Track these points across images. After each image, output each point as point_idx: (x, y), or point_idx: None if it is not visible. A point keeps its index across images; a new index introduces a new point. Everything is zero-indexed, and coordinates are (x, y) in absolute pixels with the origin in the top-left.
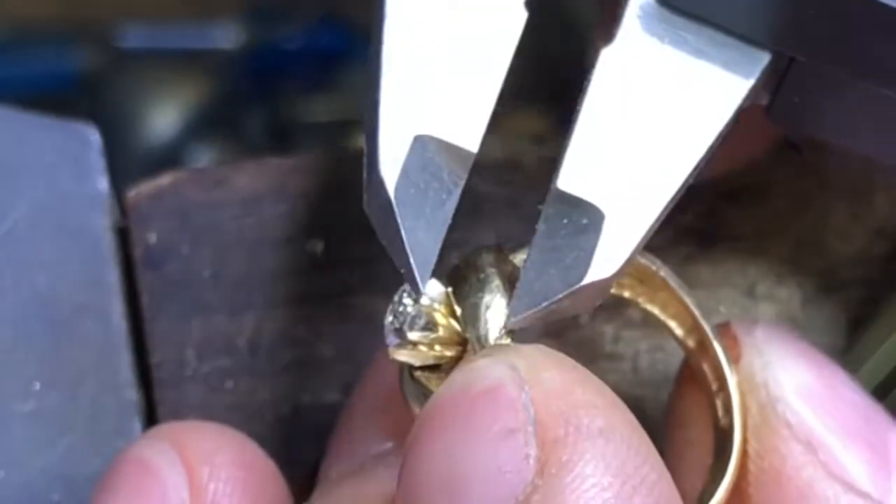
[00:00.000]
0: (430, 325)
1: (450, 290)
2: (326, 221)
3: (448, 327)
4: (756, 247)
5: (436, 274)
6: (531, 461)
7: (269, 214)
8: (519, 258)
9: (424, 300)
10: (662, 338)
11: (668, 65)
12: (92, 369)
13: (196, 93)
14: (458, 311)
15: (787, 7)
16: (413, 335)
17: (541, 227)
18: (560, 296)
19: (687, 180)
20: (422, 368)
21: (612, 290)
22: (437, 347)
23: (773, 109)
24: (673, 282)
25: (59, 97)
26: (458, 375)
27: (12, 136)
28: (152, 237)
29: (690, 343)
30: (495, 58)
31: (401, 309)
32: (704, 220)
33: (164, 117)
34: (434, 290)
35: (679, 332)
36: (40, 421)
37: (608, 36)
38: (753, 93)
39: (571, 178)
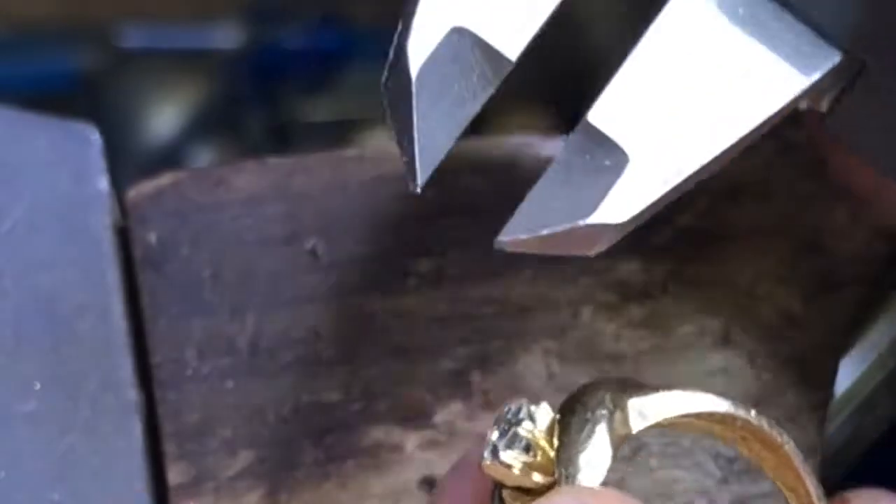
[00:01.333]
0: (530, 449)
1: (558, 417)
2: (326, 221)
3: (545, 456)
4: (756, 247)
5: None
6: None
7: (269, 214)
8: (637, 402)
9: (527, 425)
10: (664, 338)
11: (734, 34)
12: (92, 369)
13: (196, 93)
14: (559, 443)
15: (867, 5)
16: (507, 455)
17: (560, 154)
18: (559, 228)
19: (719, 156)
20: (512, 488)
21: (738, 447)
22: (532, 472)
23: (831, 119)
24: (796, 460)
25: (59, 97)
26: None
27: (12, 136)
28: (152, 237)
29: None
30: None
31: (505, 426)
32: (704, 220)
33: (164, 117)
34: (543, 416)
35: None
36: (40, 421)
37: None
38: (813, 92)
39: (605, 114)
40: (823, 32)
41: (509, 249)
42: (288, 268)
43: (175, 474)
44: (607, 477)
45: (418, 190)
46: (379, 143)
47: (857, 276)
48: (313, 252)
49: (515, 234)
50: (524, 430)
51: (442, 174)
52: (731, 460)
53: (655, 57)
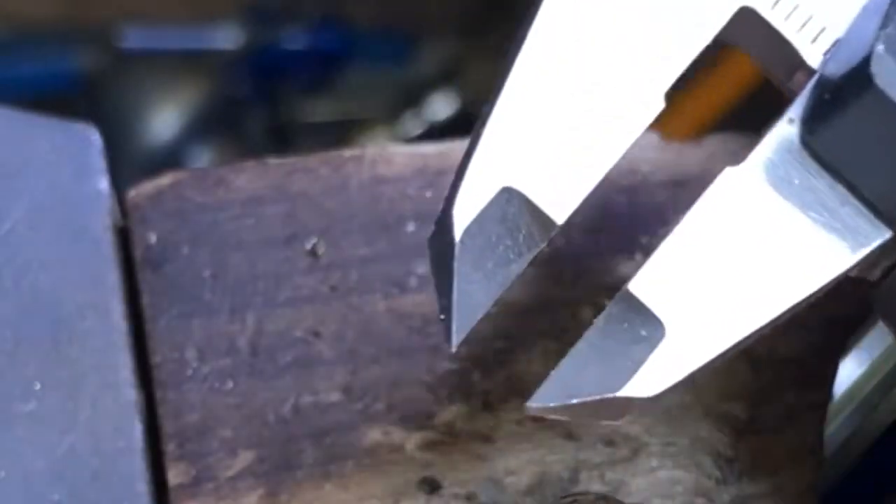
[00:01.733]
0: None
1: None
2: (326, 221)
3: None
4: None
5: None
6: None
7: (269, 214)
8: None
9: None
10: None
11: (786, 205)
12: (92, 369)
13: (196, 93)
14: None
15: None
16: None
17: (599, 321)
18: (589, 398)
19: (758, 331)
20: None
21: None
22: None
23: (878, 293)
24: None
25: (59, 97)
26: None
27: (13, 136)
28: (153, 237)
29: None
30: (613, 143)
31: None
32: None
33: (164, 118)
34: None
35: None
36: (41, 421)
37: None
38: (863, 265)
39: (646, 284)
40: (876, 209)
41: (538, 415)
42: (288, 268)
43: (175, 474)
44: (607, 477)
45: (453, 349)
46: (379, 143)
47: (857, 276)
48: (313, 252)
49: (545, 401)
50: None
51: (442, 174)
52: (730, 460)
53: (703, 227)
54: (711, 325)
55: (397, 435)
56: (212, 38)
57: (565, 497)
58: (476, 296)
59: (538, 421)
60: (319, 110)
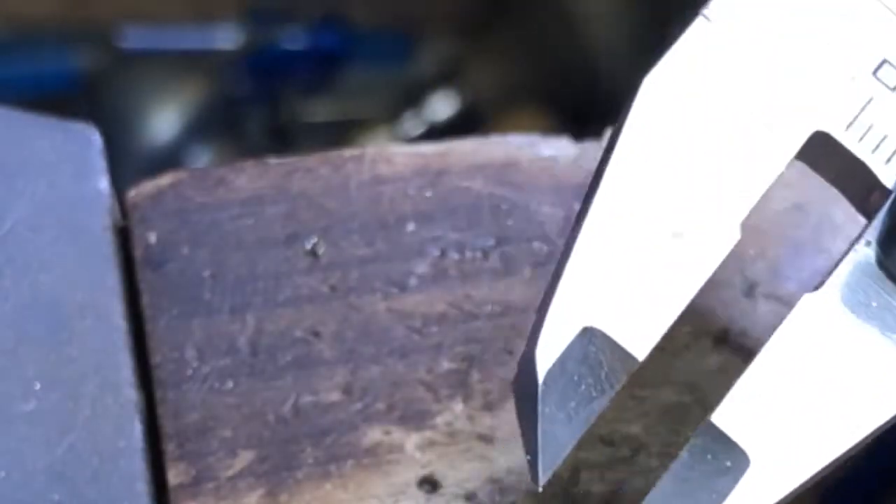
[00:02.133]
0: None
1: None
2: (326, 221)
3: None
4: (756, 247)
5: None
6: None
7: (269, 214)
8: None
9: None
10: (663, 338)
11: (865, 329)
12: (92, 369)
13: (196, 93)
14: None
15: None
16: None
17: (683, 454)
18: None
19: (841, 458)
20: None
21: None
22: None
23: None
24: None
25: (59, 97)
26: None
27: (12, 136)
28: (152, 237)
29: None
30: (691, 277)
31: None
32: None
33: (164, 118)
34: None
35: None
36: (41, 421)
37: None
38: None
39: (730, 415)
40: None
41: None
42: (288, 268)
43: (175, 474)
44: (607, 477)
45: (539, 489)
46: (379, 143)
47: None
48: (313, 252)
49: None
50: None
51: (442, 174)
52: None
53: (783, 355)
54: (795, 454)
55: (397, 435)
56: (212, 38)
57: None
58: (560, 435)
59: None
60: (319, 110)
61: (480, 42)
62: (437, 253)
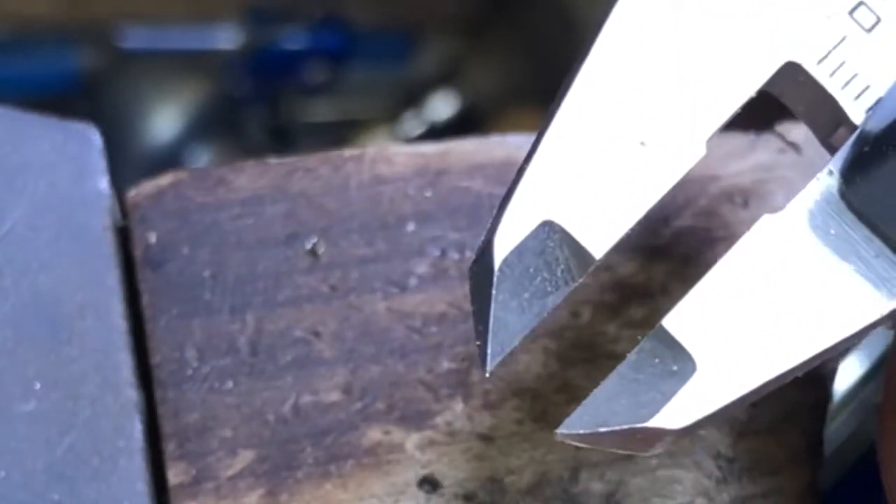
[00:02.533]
0: None
1: None
2: (326, 221)
3: None
4: None
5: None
6: None
7: (269, 214)
8: None
9: None
10: None
11: (822, 253)
12: (92, 369)
13: (196, 93)
14: None
15: None
16: None
17: (631, 356)
18: (617, 427)
19: (787, 373)
20: None
21: None
22: None
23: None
24: None
25: (59, 97)
26: None
27: (12, 136)
28: (153, 237)
29: None
30: (653, 185)
31: None
32: (704, 220)
33: (164, 117)
34: None
35: None
36: (41, 421)
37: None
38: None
39: (679, 321)
40: None
41: (567, 441)
42: (288, 268)
43: (175, 474)
44: (607, 477)
45: (487, 374)
46: (379, 143)
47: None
48: (313, 252)
49: (575, 428)
50: None
51: (442, 174)
52: (731, 460)
53: (739, 269)
54: (742, 364)
55: (397, 435)
56: (212, 38)
57: None
58: (511, 324)
59: (538, 421)
60: (319, 110)
61: (480, 42)
62: (437, 253)
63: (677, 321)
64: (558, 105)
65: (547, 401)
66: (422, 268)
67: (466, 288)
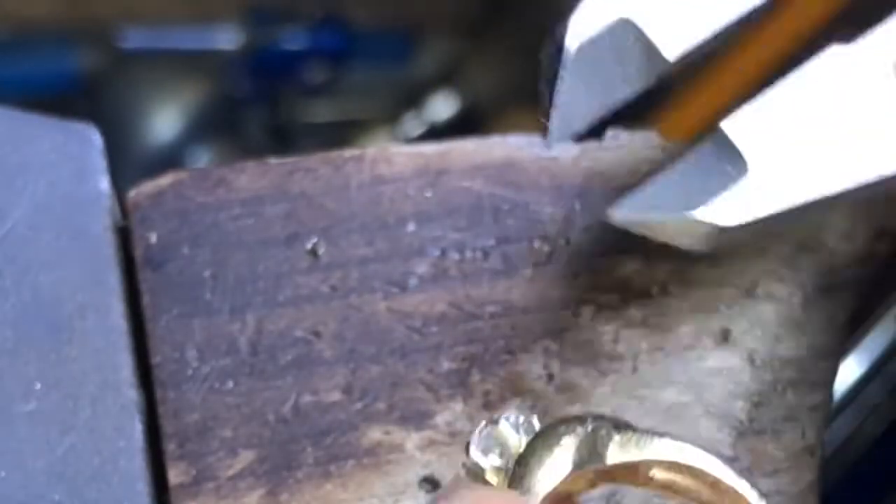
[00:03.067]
0: (502, 451)
1: (536, 433)
2: (326, 221)
3: (513, 459)
4: (756, 247)
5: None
6: None
7: (269, 214)
8: (622, 437)
9: (513, 435)
10: (664, 338)
11: (884, 87)
12: (92, 369)
13: (197, 94)
14: (524, 450)
15: None
16: (476, 453)
17: (690, 154)
18: (663, 215)
19: (835, 196)
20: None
21: None
22: (497, 474)
23: None
24: None
25: (59, 97)
26: None
27: (13, 136)
28: (153, 237)
29: None
30: (731, 4)
31: (488, 431)
32: None
33: (164, 118)
34: (531, 428)
35: None
36: (41, 421)
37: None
38: None
39: (739, 126)
40: None
41: (617, 224)
42: (288, 268)
43: (175, 474)
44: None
45: (549, 149)
46: (379, 143)
47: (857, 276)
48: (313, 252)
49: (626, 211)
50: (500, 431)
51: (442, 174)
52: (730, 460)
53: (805, 86)
54: (792, 177)
55: (397, 435)
56: (212, 38)
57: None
58: (577, 106)
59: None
60: (319, 110)
61: (480, 42)
62: (437, 253)
63: (738, 126)
64: None
65: (547, 401)
66: (422, 268)
67: (467, 288)
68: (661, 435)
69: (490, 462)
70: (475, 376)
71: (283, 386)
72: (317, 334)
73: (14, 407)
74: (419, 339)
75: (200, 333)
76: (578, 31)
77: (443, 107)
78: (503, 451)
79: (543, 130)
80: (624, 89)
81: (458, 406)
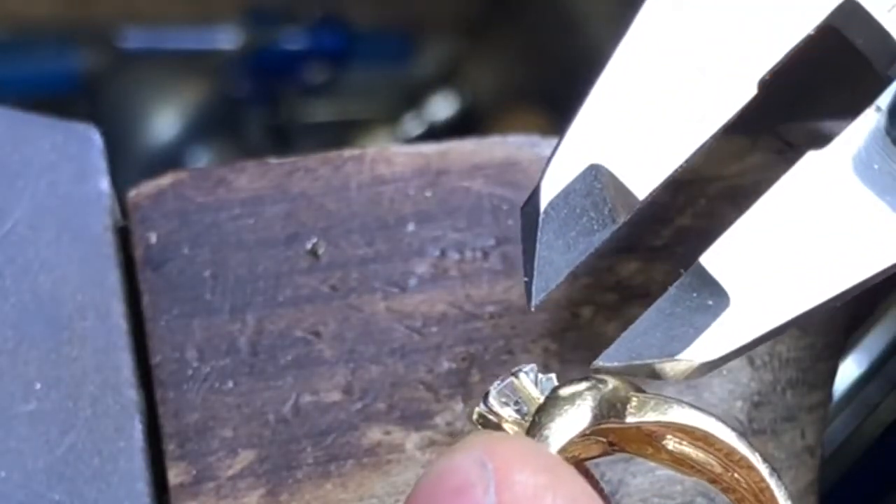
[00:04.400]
0: (518, 403)
1: (555, 387)
2: (326, 221)
3: (529, 415)
4: None
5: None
6: None
7: (269, 214)
8: (640, 398)
9: (532, 388)
10: None
11: (863, 189)
12: (92, 369)
13: (197, 94)
14: (542, 402)
15: None
16: (495, 403)
17: (671, 290)
18: (649, 361)
19: (819, 308)
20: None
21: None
22: (514, 425)
23: None
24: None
25: (59, 97)
26: (438, 464)
27: (13, 136)
28: (153, 237)
29: None
30: (701, 128)
31: (508, 383)
32: (704, 220)
33: (164, 118)
34: (549, 383)
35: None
36: (41, 421)
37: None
38: None
39: (717, 258)
40: None
41: (604, 370)
42: (288, 268)
43: (175, 474)
44: (607, 477)
45: (532, 309)
46: (379, 143)
47: None
48: (313, 252)
49: (611, 361)
50: (520, 384)
51: (442, 174)
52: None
53: (778, 205)
54: (774, 299)
55: (397, 435)
56: (212, 38)
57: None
58: (556, 262)
59: None
60: (319, 110)
61: (480, 42)
62: (437, 253)
63: (714, 258)
64: (610, 55)
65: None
66: (422, 268)
67: (467, 288)
68: (680, 402)
69: (508, 413)
70: (475, 376)
71: (283, 386)
72: (317, 334)
73: (14, 407)
74: (419, 339)
75: (200, 333)
76: (550, 187)
77: (443, 107)
78: (521, 403)
79: (525, 290)
80: (601, 233)
81: (458, 406)
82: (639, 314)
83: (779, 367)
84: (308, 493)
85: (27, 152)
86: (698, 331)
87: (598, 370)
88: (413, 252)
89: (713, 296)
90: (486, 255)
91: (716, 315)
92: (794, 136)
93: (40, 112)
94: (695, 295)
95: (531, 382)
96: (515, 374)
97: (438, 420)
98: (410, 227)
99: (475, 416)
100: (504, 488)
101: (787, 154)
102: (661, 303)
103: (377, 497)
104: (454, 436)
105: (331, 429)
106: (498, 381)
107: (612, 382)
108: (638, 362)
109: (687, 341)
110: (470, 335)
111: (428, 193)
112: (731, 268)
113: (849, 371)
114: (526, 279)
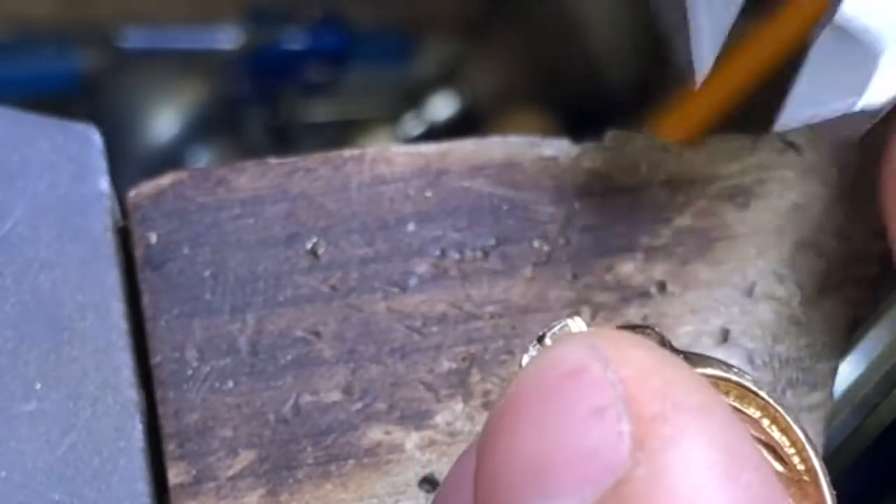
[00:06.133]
0: None
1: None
2: (326, 221)
3: None
4: (756, 247)
5: None
6: (626, 437)
7: (269, 214)
8: None
9: (569, 325)
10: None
11: None
12: (92, 369)
13: (197, 94)
14: None
15: None
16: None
17: (818, 42)
18: (830, 111)
19: None
20: None
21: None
22: None
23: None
24: (795, 426)
25: (59, 98)
26: (539, 360)
27: (13, 136)
28: (153, 237)
29: None
30: None
31: (562, 325)
32: (704, 220)
33: (164, 118)
34: (580, 325)
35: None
36: (41, 421)
37: None
38: None
39: (860, 7)
40: None
41: (788, 128)
42: (288, 268)
43: (175, 474)
44: None
45: (699, 83)
46: (379, 143)
47: (857, 276)
48: (313, 252)
49: (790, 122)
50: (577, 326)
51: (442, 174)
52: None
53: None
54: None
55: (397, 435)
56: (212, 38)
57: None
58: (710, 33)
59: None
60: (319, 110)
61: (480, 42)
62: (437, 253)
63: (858, 7)
64: None
65: None
66: (422, 268)
67: (467, 288)
68: (711, 358)
69: None
70: (475, 376)
71: (283, 386)
72: (317, 334)
73: (14, 407)
74: (419, 339)
75: (200, 333)
76: None
77: (443, 107)
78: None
79: (695, 63)
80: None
81: (458, 406)
82: (639, 314)
83: (779, 367)
84: (308, 493)
85: (27, 152)
86: (866, 79)
87: (784, 131)
88: (413, 252)
89: (865, 41)
90: (486, 255)
91: (875, 62)
92: (794, 136)
93: (40, 112)
94: (846, 46)
95: (585, 326)
96: (571, 317)
97: (438, 420)
98: (410, 227)
99: (526, 361)
100: (622, 364)
101: (787, 154)
102: (813, 57)
103: (377, 497)
104: (454, 436)
105: (331, 429)
106: (552, 324)
107: (650, 331)
108: (818, 120)
109: (858, 89)
110: (470, 335)
111: (428, 193)
112: (877, 15)
113: (849, 371)
114: (690, 56)
